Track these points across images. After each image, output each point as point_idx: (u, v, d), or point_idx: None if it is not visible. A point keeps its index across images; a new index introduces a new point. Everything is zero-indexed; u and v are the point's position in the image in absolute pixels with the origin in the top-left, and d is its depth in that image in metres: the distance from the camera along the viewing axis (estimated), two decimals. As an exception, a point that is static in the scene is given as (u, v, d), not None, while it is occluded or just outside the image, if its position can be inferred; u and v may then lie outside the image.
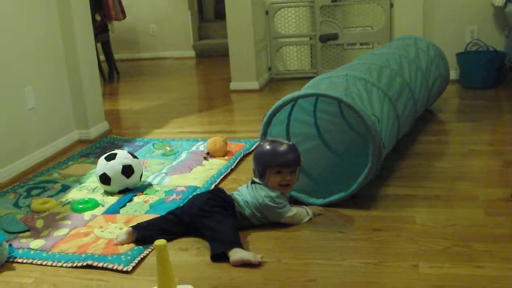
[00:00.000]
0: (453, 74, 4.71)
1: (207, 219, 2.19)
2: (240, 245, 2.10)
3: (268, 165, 2.31)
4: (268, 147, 2.35)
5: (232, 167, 3.09)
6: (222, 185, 2.84)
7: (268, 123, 2.57)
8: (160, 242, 1.79)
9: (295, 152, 2.34)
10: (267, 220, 2.34)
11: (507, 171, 2.72)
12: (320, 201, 2.50)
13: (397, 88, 2.96)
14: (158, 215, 2.42)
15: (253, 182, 2.39)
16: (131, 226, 2.29)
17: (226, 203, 2.29)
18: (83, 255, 2.19)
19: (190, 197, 2.53)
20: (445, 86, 3.97)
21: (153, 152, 3.46)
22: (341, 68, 3.16)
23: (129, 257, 2.14)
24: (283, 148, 2.33)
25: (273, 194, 2.30)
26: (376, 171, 2.46)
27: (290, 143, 2.38)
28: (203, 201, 2.27)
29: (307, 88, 2.71)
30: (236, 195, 2.37)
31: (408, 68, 3.24)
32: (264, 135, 2.58)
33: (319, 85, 2.71)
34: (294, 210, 2.35)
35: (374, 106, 2.57)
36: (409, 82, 3.11)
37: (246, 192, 2.36)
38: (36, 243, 2.31)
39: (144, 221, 2.35)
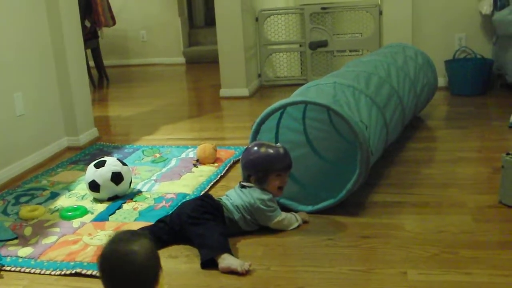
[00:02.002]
0: (442, 81, 4.74)
1: (196, 226, 2.19)
2: (229, 251, 2.10)
3: (271, 170, 2.34)
4: (266, 151, 2.37)
5: (222, 174, 3.09)
6: (211, 192, 2.84)
7: (257, 131, 2.58)
8: None
9: (289, 153, 2.41)
10: (256, 225, 2.35)
11: (495, 177, 2.74)
12: (309, 208, 2.50)
13: (385, 95, 2.98)
14: (148, 223, 2.41)
15: (242, 186, 2.40)
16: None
17: (215, 209, 2.29)
18: (72, 263, 2.18)
19: (179, 204, 2.52)
20: (433, 93, 4.00)
21: (143, 159, 3.46)
22: (329, 75, 3.17)
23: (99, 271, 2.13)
24: (281, 151, 2.38)
25: (265, 197, 2.33)
26: (364, 177, 2.47)
27: (279, 145, 2.43)
28: (192, 208, 2.26)
29: (296, 95, 2.72)
30: (224, 199, 2.38)
31: (396, 75, 3.26)
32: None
33: (307, 93, 2.72)
34: (283, 215, 2.36)
35: (362, 113, 2.58)
36: (397, 89, 3.13)
37: (235, 196, 2.37)
38: (24, 251, 2.29)
39: (135, 230, 2.34)
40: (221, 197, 2.41)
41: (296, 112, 2.89)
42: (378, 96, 2.88)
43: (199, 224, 2.19)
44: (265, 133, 2.62)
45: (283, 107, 2.57)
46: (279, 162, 2.36)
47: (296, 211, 2.48)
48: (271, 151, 2.38)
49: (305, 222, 2.42)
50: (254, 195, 2.33)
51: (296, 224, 2.38)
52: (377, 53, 3.83)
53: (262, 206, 2.31)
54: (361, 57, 4.14)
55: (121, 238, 1.49)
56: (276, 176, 2.35)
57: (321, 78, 3.12)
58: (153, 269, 1.47)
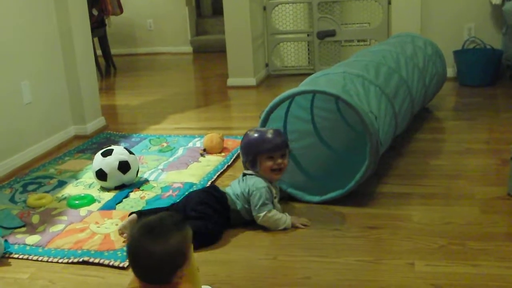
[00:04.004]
0: (450, 72, 4.71)
1: (197, 220, 2.20)
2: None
3: (258, 152, 2.32)
4: (255, 135, 2.36)
5: (229, 163, 3.09)
6: (218, 182, 2.84)
7: (265, 120, 2.57)
8: None
9: (282, 136, 2.37)
10: None
11: (503, 169, 2.73)
12: (317, 198, 2.50)
13: (394, 85, 2.96)
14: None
15: (244, 174, 2.39)
16: (133, 212, 2.33)
17: (219, 202, 2.29)
18: (79, 251, 2.19)
19: (186, 193, 2.52)
20: (441, 84, 3.97)
21: (150, 148, 3.46)
22: (338, 65, 3.15)
23: (125, 253, 2.14)
24: (270, 133, 2.34)
25: (260, 185, 2.29)
26: (373, 168, 2.46)
27: (275, 128, 2.40)
28: (196, 201, 2.28)
29: (305, 85, 2.70)
30: (228, 189, 2.38)
31: (405, 66, 3.24)
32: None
33: (317, 82, 2.71)
34: (272, 212, 2.28)
35: (372, 103, 2.56)
36: (406, 80, 3.11)
37: (236, 185, 2.37)
38: (32, 239, 2.30)
39: (146, 209, 2.42)
40: (226, 188, 2.41)
41: (305, 101, 2.88)
42: (388, 86, 2.86)
43: (201, 218, 2.21)
44: (273, 122, 2.60)
45: (293, 96, 2.55)
46: (266, 143, 2.31)
47: (302, 202, 2.47)
48: (259, 134, 2.35)
49: (304, 225, 2.32)
50: (249, 182, 2.31)
51: (282, 227, 2.28)
52: (386, 43, 3.80)
53: (255, 193, 2.28)
54: (369, 47, 4.10)
55: (151, 231, 1.48)
56: (267, 158, 2.31)
57: (329, 68, 3.10)
58: (169, 266, 1.48)
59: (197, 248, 1.99)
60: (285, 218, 2.31)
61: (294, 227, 2.30)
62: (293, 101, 2.70)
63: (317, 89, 2.54)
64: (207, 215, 2.23)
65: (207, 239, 2.18)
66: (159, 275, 1.48)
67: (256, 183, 2.30)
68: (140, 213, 2.31)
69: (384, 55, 3.27)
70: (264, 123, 2.57)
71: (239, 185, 2.36)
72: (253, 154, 2.33)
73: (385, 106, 2.69)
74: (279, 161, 2.32)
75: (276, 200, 2.36)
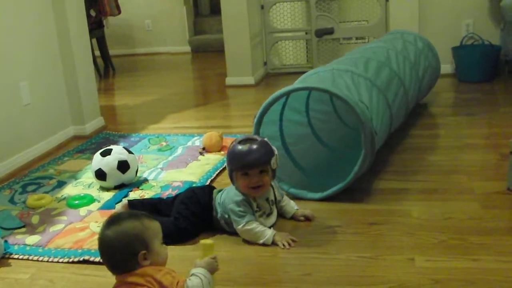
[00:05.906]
0: (449, 68, 4.72)
1: (169, 218, 2.24)
2: None
3: (232, 168, 2.18)
4: (234, 148, 2.17)
5: (228, 162, 3.09)
6: (217, 180, 2.84)
7: (259, 123, 2.52)
8: (206, 241, 1.75)
9: (261, 150, 2.13)
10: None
11: (502, 164, 2.73)
12: (318, 195, 2.49)
13: (385, 78, 2.95)
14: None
15: None
16: (128, 199, 2.39)
17: (201, 207, 2.25)
18: (80, 251, 2.19)
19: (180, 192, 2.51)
20: (436, 78, 3.96)
21: (149, 147, 3.46)
22: (329, 64, 3.16)
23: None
24: (246, 148, 2.13)
25: (237, 198, 2.17)
26: (371, 158, 2.43)
27: (259, 139, 2.18)
28: (179, 201, 2.29)
29: (295, 84, 2.69)
30: (219, 193, 2.29)
31: (395, 59, 3.24)
32: (256, 135, 2.51)
33: (307, 81, 2.70)
34: (252, 225, 2.14)
35: (362, 94, 2.55)
36: (397, 72, 3.10)
37: (225, 191, 2.27)
38: (32, 239, 2.30)
39: (142, 199, 2.50)
40: (221, 190, 2.32)
41: (298, 104, 2.85)
42: (378, 79, 2.85)
43: (176, 218, 2.23)
44: (268, 126, 2.58)
45: (282, 96, 2.49)
46: (239, 160, 2.13)
47: (305, 199, 2.47)
48: (237, 147, 2.15)
49: (289, 244, 2.12)
50: (230, 194, 2.21)
51: (261, 241, 2.13)
52: (378, 41, 3.82)
53: (231, 207, 2.17)
54: (361, 46, 4.10)
55: (107, 222, 1.65)
56: (242, 175, 2.14)
57: (320, 67, 3.10)
58: (126, 250, 1.58)
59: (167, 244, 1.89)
60: (266, 233, 2.14)
61: (274, 244, 2.13)
62: (287, 105, 2.67)
63: (307, 86, 2.52)
64: (182, 216, 2.22)
65: (170, 237, 2.01)
66: (120, 260, 1.59)
67: (232, 196, 2.18)
68: (132, 202, 2.42)
69: (374, 51, 3.28)
70: (258, 126, 2.53)
71: (226, 192, 2.26)
72: (229, 169, 2.20)
73: (377, 97, 2.67)
74: (255, 179, 2.13)
75: (258, 215, 2.20)
